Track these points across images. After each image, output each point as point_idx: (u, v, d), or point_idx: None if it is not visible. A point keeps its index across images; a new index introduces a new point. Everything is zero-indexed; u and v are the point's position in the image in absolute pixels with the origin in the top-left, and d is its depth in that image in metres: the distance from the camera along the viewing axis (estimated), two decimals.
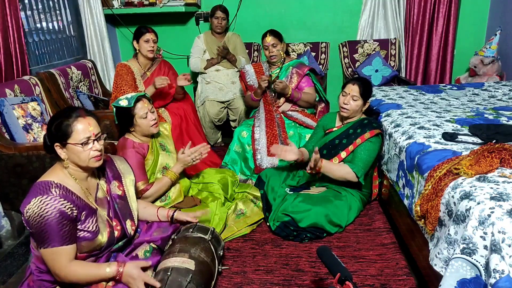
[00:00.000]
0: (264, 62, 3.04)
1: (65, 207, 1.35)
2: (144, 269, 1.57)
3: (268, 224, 2.19)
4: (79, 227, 1.42)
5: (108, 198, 1.60)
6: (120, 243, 1.59)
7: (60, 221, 1.33)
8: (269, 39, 2.82)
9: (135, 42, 2.79)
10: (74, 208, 1.39)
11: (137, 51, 2.82)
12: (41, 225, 1.32)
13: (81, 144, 1.41)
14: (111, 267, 1.42)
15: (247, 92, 3.02)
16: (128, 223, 1.62)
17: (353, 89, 2.21)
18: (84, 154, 1.43)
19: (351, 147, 2.22)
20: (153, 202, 2.09)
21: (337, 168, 2.18)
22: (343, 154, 2.24)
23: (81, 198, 1.44)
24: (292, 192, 2.26)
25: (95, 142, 1.46)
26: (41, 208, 1.32)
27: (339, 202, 2.16)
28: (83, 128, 1.42)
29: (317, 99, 2.98)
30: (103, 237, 1.49)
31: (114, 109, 2.07)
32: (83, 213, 1.43)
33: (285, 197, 2.21)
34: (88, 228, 1.44)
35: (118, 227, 1.57)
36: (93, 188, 1.56)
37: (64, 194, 1.38)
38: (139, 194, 1.99)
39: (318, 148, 2.28)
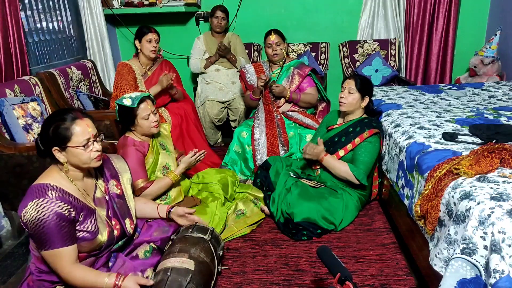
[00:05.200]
0: (264, 61, 3.04)
1: (62, 209, 1.35)
2: (143, 270, 1.57)
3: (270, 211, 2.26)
4: (78, 227, 1.42)
5: (107, 197, 1.59)
6: (120, 243, 1.59)
7: (58, 224, 1.33)
8: (274, 37, 2.83)
9: (137, 42, 2.77)
10: (71, 209, 1.38)
11: (139, 51, 2.80)
12: (40, 228, 1.31)
13: (83, 146, 1.41)
14: (110, 278, 1.41)
15: (247, 92, 3.02)
16: (127, 222, 1.62)
17: (349, 82, 2.27)
18: (85, 156, 1.43)
19: (349, 146, 2.24)
20: (153, 200, 2.09)
21: (338, 165, 2.21)
22: (341, 153, 2.26)
23: (78, 199, 1.44)
24: (294, 176, 2.32)
25: (95, 143, 1.46)
26: (38, 212, 1.31)
27: (334, 199, 2.18)
28: (82, 130, 1.42)
29: (318, 98, 2.98)
30: (102, 237, 1.49)
31: (117, 106, 2.07)
32: (81, 213, 1.43)
33: (290, 189, 2.23)
34: (87, 228, 1.44)
35: (118, 226, 1.57)
36: (90, 188, 1.55)
37: (60, 196, 1.37)
38: (138, 192, 1.99)
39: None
